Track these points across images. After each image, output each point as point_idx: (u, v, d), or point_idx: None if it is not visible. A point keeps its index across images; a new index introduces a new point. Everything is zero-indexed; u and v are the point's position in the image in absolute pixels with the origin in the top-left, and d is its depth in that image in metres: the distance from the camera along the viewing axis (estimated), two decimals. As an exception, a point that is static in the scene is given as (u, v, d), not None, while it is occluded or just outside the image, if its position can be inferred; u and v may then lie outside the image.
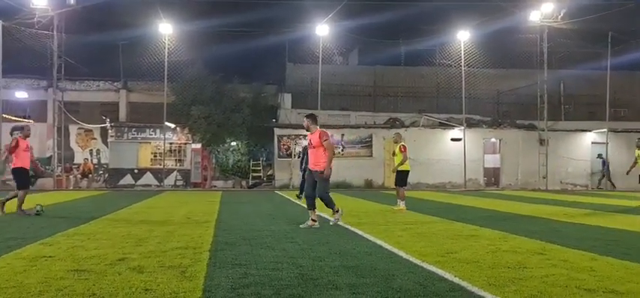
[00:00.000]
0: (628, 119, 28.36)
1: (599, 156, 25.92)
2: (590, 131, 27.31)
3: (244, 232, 8.02)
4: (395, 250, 6.32)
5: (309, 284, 4.50)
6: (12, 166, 11.10)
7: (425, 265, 5.36)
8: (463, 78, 26.26)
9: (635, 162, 14.32)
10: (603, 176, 25.86)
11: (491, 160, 27.46)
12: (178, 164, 27.19)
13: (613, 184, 25.44)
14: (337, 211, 8.91)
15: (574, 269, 5.13)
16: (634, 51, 27.60)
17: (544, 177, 26.06)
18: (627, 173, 14.78)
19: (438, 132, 26.68)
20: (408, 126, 26.38)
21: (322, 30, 25.74)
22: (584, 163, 27.10)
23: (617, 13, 26.62)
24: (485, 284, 4.46)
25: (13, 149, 10.81)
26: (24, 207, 10.68)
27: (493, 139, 27.47)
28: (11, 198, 10.85)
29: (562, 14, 26.20)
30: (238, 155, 27.36)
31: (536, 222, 10.05)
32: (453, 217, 10.49)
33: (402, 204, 12.12)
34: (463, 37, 26.53)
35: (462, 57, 26.40)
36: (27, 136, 11.17)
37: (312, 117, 9.03)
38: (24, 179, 10.93)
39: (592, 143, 27.30)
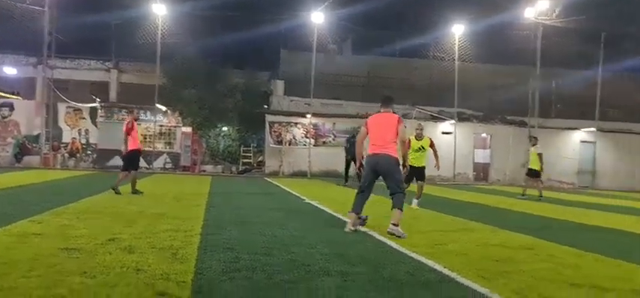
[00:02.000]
0: (616, 119, 28.58)
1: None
2: (578, 129, 27.53)
3: (235, 217, 8.03)
4: (385, 240, 6.36)
5: (300, 270, 4.53)
6: (129, 148, 11.22)
7: (415, 255, 5.39)
8: (456, 72, 26.31)
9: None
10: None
11: (481, 155, 27.60)
12: (168, 147, 27.07)
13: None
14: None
15: (561, 265, 5.20)
16: (626, 53, 27.84)
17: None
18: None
19: (429, 125, 26.71)
20: (399, 118, 26.41)
21: (317, 17, 25.64)
22: (571, 161, 27.32)
23: (611, 14, 26.78)
24: (475, 276, 4.51)
25: (130, 130, 11.11)
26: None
27: (484, 134, 27.61)
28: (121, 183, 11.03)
29: (557, 12, 26.30)
30: (229, 140, 27.28)
31: (524, 217, 10.14)
32: (442, 210, 10.56)
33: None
34: (457, 30, 26.58)
35: (456, 51, 26.45)
36: (136, 120, 11.59)
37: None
38: (134, 161, 11.30)
39: (581, 141, 27.53)
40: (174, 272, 4.23)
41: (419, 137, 10.90)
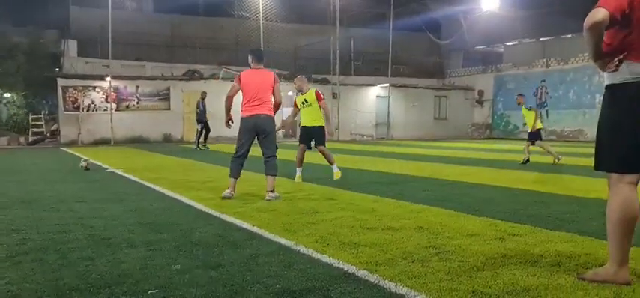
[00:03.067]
0: (406, 75, 31.77)
1: None
2: (375, 85, 29.99)
3: (23, 194, 7.16)
4: (194, 204, 6.24)
5: (100, 244, 4.20)
6: None
7: (224, 216, 5.38)
8: (261, 32, 26.57)
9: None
10: None
11: (288, 113, 28.50)
12: None
13: None
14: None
15: (359, 211, 5.63)
16: (412, 13, 30.90)
17: (336, 129, 28.03)
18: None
19: (237, 85, 26.73)
20: (207, 79, 25.98)
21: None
22: (369, 115, 29.74)
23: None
24: (281, 230, 4.66)
25: None
26: None
27: (290, 92, 28.51)
28: None
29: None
30: (14, 108, 24.17)
31: (327, 169, 10.75)
32: (251, 169, 10.68)
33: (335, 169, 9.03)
34: (262, -11, 26.75)
35: (261, 10, 26.64)
36: None
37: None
38: None
39: (377, 96, 30.06)
40: (-58, 265, 3.61)
41: (300, 90, 9.09)
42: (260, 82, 6.61)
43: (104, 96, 23.57)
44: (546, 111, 27.54)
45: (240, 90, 6.66)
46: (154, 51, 26.54)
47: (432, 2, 31.85)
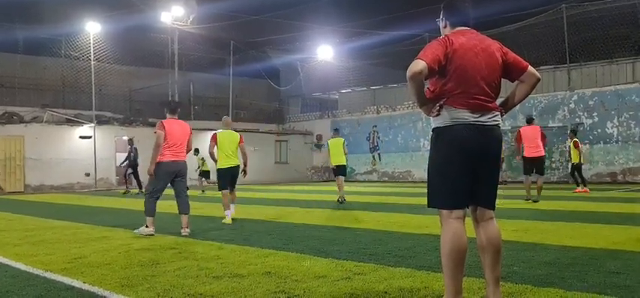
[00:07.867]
0: (247, 120, 31.92)
1: None
2: (215, 130, 29.61)
3: None
4: (11, 262, 5.46)
5: None
6: None
7: (49, 275, 4.77)
8: (93, 73, 24.94)
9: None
10: None
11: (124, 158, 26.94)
12: None
13: None
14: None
15: (204, 260, 5.37)
16: (251, 60, 31.41)
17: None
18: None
19: (64, 129, 24.62)
20: (28, 122, 23.52)
21: None
22: (206, 159, 29.22)
23: (238, 24, 29.80)
24: (118, 286, 4.25)
25: None
26: None
27: (126, 137, 26.99)
28: None
29: (191, 19, 27.68)
30: None
31: (166, 217, 10.23)
32: (82, 220, 9.80)
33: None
34: (93, 28, 25.17)
35: (92, 50, 25.06)
36: None
37: None
38: None
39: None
40: None
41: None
42: (181, 131, 7.64)
43: None
44: (379, 154, 29.52)
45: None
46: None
47: (270, 50, 32.74)
